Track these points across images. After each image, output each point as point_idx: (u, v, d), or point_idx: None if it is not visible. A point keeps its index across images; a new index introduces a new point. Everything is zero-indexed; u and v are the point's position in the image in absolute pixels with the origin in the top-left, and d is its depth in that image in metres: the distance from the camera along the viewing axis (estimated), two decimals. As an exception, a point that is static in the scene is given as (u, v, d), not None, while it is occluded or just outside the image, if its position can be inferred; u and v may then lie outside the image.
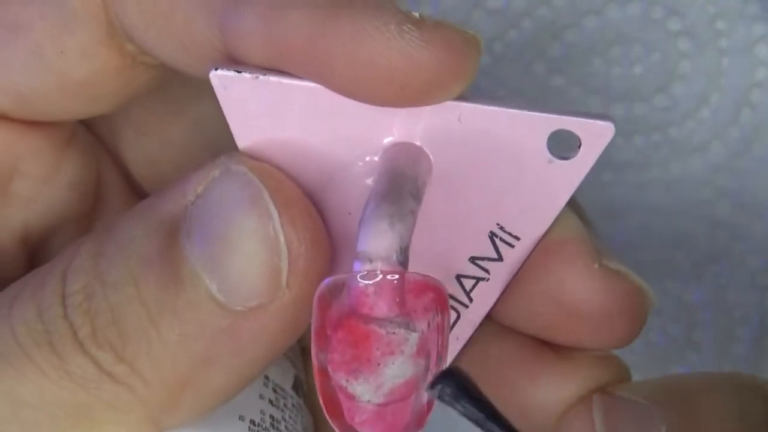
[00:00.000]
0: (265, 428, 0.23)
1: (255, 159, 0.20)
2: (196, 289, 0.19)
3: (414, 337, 0.18)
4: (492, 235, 0.21)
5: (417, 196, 0.19)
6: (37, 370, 0.19)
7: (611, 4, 0.36)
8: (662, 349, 0.35)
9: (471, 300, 0.21)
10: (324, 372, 0.18)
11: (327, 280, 0.18)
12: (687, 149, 0.36)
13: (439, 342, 0.18)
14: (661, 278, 0.36)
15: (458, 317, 0.21)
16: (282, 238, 0.19)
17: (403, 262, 0.18)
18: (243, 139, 0.20)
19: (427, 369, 0.18)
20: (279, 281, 0.19)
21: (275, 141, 0.20)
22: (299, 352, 0.27)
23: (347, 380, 0.18)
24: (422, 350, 0.18)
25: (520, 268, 0.21)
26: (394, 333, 0.18)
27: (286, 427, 0.24)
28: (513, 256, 0.21)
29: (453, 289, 0.21)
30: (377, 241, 0.18)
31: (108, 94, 0.23)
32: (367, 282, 0.18)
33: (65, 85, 0.22)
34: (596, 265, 0.20)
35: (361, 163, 0.20)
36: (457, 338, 0.22)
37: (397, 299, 0.18)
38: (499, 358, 0.22)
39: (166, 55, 0.21)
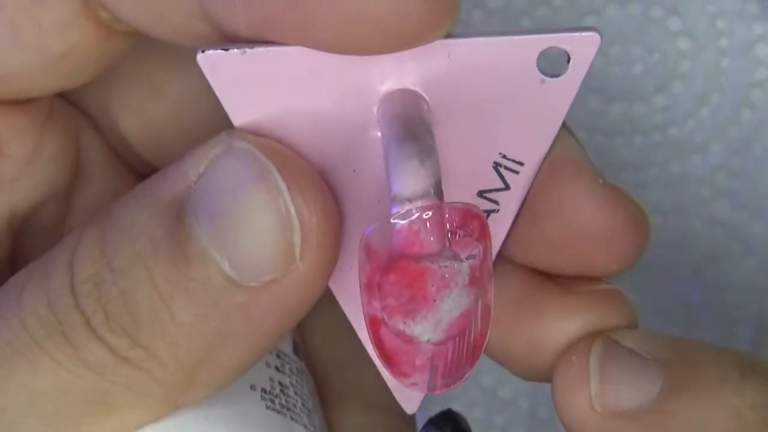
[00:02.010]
0: (276, 395, 0.23)
1: (254, 134, 0.19)
2: (206, 267, 0.19)
3: (465, 266, 0.18)
4: (496, 165, 0.21)
5: (431, 134, 0.19)
6: (51, 361, 0.19)
7: (611, 4, 0.36)
8: (662, 349, 0.35)
9: None
10: (377, 321, 0.18)
11: (368, 229, 0.18)
12: (687, 149, 0.36)
13: (484, 268, 0.19)
14: (661, 278, 0.35)
15: None
16: (293, 212, 0.19)
17: (439, 195, 0.18)
18: (239, 117, 0.20)
19: (477, 298, 0.19)
20: (292, 254, 0.19)
21: (271, 113, 0.20)
22: None
23: (405, 322, 0.18)
24: (473, 279, 0.18)
25: (527, 193, 0.21)
26: (446, 266, 0.18)
27: (295, 392, 0.24)
28: (519, 182, 0.21)
29: None
30: (412, 180, 0.18)
31: (87, 65, 0.22)
32: (411, 220, 0.18)
33: (45, 61, 0.22)
34: (601, 180, 0.20)
35: (358, 118, 0.20)
36: None
37: (444, 232, 0.18)
38: (504, 296, 0.22)
39: (140, 23, 0.21)
